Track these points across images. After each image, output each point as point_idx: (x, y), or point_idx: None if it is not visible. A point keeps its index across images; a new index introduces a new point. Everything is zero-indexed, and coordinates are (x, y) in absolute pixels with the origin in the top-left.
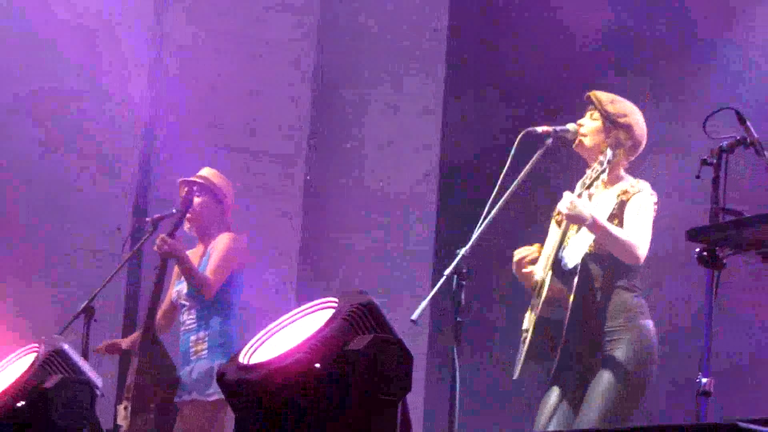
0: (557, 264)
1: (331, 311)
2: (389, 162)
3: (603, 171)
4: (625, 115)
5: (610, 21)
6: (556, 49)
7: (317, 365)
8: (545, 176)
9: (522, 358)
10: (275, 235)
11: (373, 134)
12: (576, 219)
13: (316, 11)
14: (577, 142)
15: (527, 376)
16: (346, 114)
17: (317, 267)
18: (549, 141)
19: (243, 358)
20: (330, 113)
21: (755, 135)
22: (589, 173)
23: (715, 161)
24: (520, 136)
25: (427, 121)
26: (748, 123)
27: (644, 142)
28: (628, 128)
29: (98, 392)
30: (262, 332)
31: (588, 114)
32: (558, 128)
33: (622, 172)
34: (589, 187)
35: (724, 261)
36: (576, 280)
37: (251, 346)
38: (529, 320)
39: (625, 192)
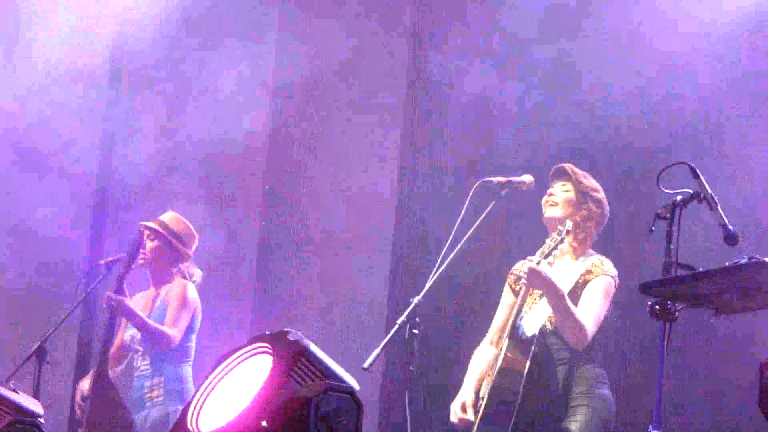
0: (514, 332)
1: (266, 356)
2: (344, 209)
3: (561, 241)
4: (597, 191)
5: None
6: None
7: (264, 424)
8: (499, 227)
9: (477, 425)
10: (230, 274)
11: (327, 181)
12: (537, 282)
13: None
14: (548, 209)
15: None
16: (301, 160)
17: (271, 311)
18: (504, 192)
19: (190, 423)
20: (284, 160)
21: (708, 190)
22: (548, 242)
23: (668, 215)
24: (475, 187)
25: (384, 168)
26: (702, 178)
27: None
28: (599, 203)
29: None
30: (202, 388)
31: (558, 185)
32: (514, 179)
33: (589, 250)
34: (547, 255)
35: (676, 314)
36: (533, 349)
37: (195, 407)
38: (484, 388)
39: (589, 272)
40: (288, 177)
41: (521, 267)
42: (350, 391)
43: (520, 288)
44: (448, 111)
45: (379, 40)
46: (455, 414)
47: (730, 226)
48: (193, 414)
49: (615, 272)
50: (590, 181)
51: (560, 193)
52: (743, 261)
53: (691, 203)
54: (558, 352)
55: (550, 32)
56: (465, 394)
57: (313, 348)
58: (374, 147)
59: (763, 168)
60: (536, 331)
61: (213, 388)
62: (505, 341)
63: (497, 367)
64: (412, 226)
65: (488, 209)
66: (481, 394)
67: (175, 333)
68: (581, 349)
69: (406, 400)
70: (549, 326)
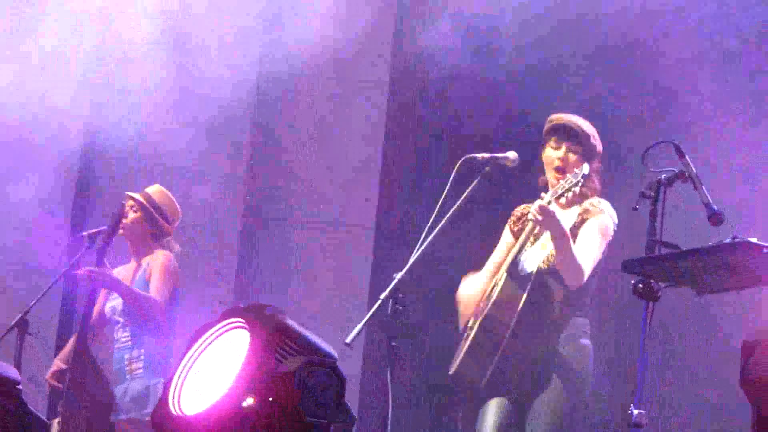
0: (513, 267)
1: (242, 332)
2: (329, 183)
3: (576, 184)
4: (599, 142)
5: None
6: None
7: (251, 401)
8: (484, 203)
9: (463, 354)
10: (213, 251)
11: (312, 155)
12: (546, 221)
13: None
14: (557, 177)
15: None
16: (286, 136)
17: (254, 285)
18: (488, 168)
19: (172, 403)
20: (269, 135)
21: (693, 169)
22: (563, 183)
23: (652, 194)
24: (459, 163)
25: (369, 144)
26: (687, 157)
27: None
28: (600, 155)
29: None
30: (180, 367)
31: (564, 147)
32: (498, 155)
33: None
34: (559, 197)
35: (659, 294)
36: (530, 286)
37: (175, 388)
38: (473, 320)
39: (586, 210)
40: (272, 153)
41: (523, 209)
42: (332, 365)
43: (522, 225)
44: (436, 89)
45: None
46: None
47: (714, 206)
48: (174, 395)
49: (614, 213)
50: (593, 133)
51: (569, 156)
52: (727, 240)
53: (676, 182)
54: (553, 292)
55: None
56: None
57: (290, 321)
58: (359, 123)
59: (744, 147)
60: (534, 269)
61: (191, 367)
62: (504, 275)
63: (493, 298)
64: (396, 202)
65: (472, 185)
66: (469, 325)
67: (161, 300)
68: (576, 289)
69: (388, 376)
70: (545, 266)
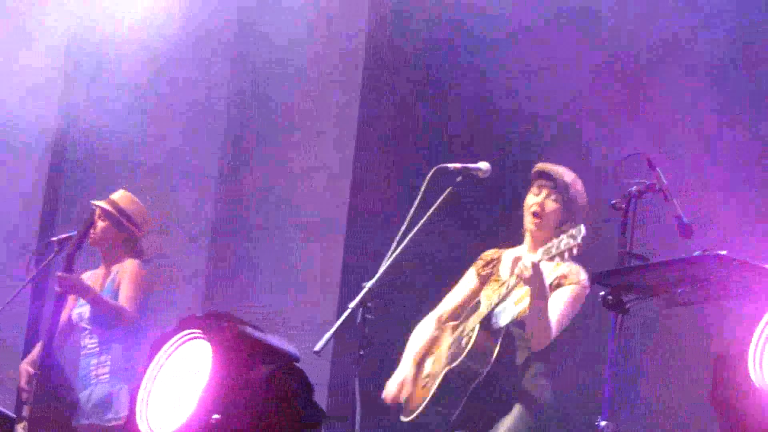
0: (487, 320)
1: (201, 342)
2: (301, 189)
3: (575, 246)
4: (583, 195)
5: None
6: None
7: (216, 417)
8: (455, 213)
9: (427, 401)
10: (185, 256)
11: (285, 161)
12: (535, 283)
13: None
14: (533, 223)
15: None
16: (256, 142)
17: (225, 291)
18: (460, 179)
19: (141, 421)
20: (239, 141)
21: (664, 181)
22: (557, 243)
23: (623, 206)
24: (431, 173)
25: (341, 150)
26: (658, 169)
27: None
28: (582, 209)
29: None
30: (144, 383)
31: (544, 192)
32: (470, 166)
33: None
34: (552, 258)
35: (628, 306)
36: (501, 339)
37: (143, 402)
38: (434, 366)
39: (564, 276)
40: (242, 158)
41: (492, 254)
42: (300, 373)
43: (492, 271)
44: (407, 94)
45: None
46: (390, 392)
47: (685, 218)
48: (142, 414)
49: (586, 280)
50: (577, 188)
51: (549, 203)
52: (697, 253)
53: (647, 194)
54: (522, 346)
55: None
56: (406, 369)
57: (249, 329)
58: (332, 128)
59: (716, 160)
60: (509, 322)
61: (155, 382)
62: (476, 327)
63: (467, 349)
64: (367, 211)
65: (443, 195)
66: (426, 372)
67: (132, 310)
68: (538, 350)
69: (356, 385)
70: (520, 319)
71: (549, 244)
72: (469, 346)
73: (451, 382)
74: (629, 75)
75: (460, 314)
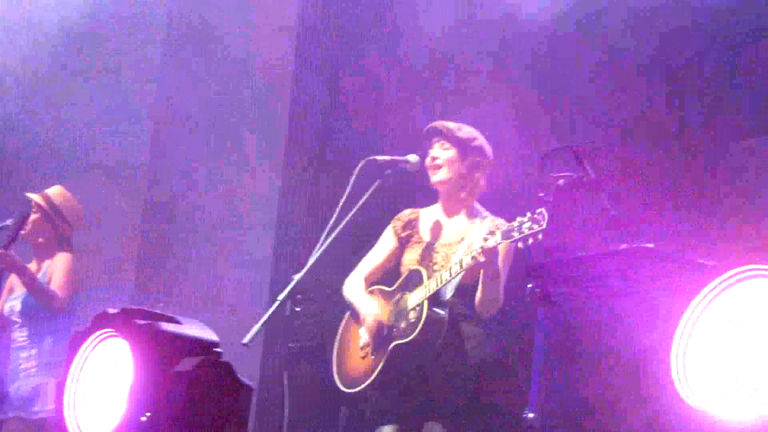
0: (438, 294)
1: (118, 341)
2: (230, 181)
3: (539, 232)
4: (475, 138)
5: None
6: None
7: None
8: (385, 205)
9: (374, 378)
10: (116, 252)
11: (213, 154)
12: (488, 266)
13: None
14: (433, 174)
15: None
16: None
17: (156, 285)
18: (389, 171)
19: (69, 422)
20: (167, 149)
21: (592, 174)
22: (518, 227)
23: (551, 199)
24: (360, 166)
25: (270, 142)
26: (585, 162)
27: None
28: (480, 150)
29: None
30: (68, 382)
31: (437, 145)
32: (399, 159)
33: (477, 205)
34: (514, 241)
35: (554, 299)
36: (448, 311)
37: (70, 407)
38: (372, 342)
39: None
40: (173, 153)
41: (410, 215)
42: (225, 366)
43: (412, 232)
44: (335, 91)
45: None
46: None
47: (613, 211)
48: (70, 416)
49: None
50: (465, 131)
51: (441, 152)
52: (623, 246)
53: (574, 187)
54: (461, 313)
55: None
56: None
57: (165, 325)
58: (260, 120)
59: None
60: (453, 293)
61: (77, 384)
62: (425, 303)
63: (420, 326)
64: (297, 204)
65: (372, 188)
66: (364, 341)
67: (63, 296)
68: (487, 317)
69: (285, 378)
70: (461, 288)
71: (509, 227)
72: (421, 322)
73: (400, 357)
74: (543, 70)
75: (380, 275)
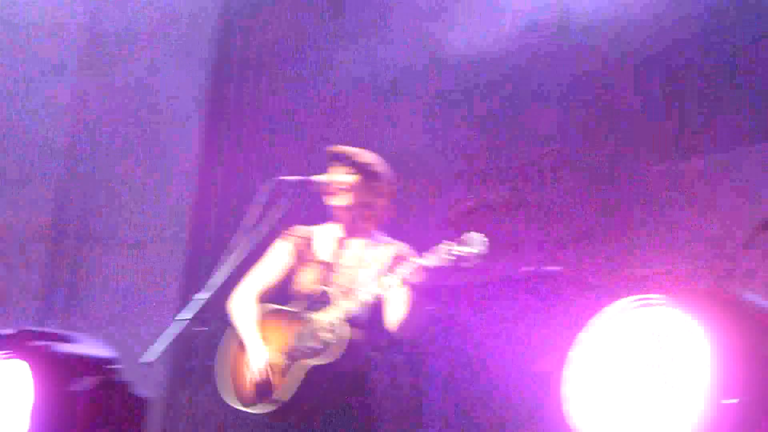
0: (350, 313)
1: (17, 362)
2: (140, 199)
3: (478, 257)
4: (377, 164)
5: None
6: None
7: None
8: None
9: (297, 389)
10: (20, 268)
11: (123, 172)
12: (418, 281)
13: None
14: (334, 198)
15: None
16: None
17: (62, 304)
18: (298, 191)
19: None
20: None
21: (495, 198)
22: (452, 249)
23: (455, 221)
24: (268, 185)
25: (182, 166)
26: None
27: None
28: (382, 176)
29: None
30: None
31: (339, 170)
32: (308, 179)
33: (375, 232)
34: (447, 262)
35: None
36: (354, 327)
37: None
38: (275, 356)
39: (401, 257)
40: (85, 173)
41: (304, 232)
42: (122, 387)
43: (316, 258)
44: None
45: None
46: (262, 375)
47: (509, 235)
48: None
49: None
50: (366, 157)
51: (343, 176)
52: (527, 269)
53: (478, 210)
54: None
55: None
56: (263, 350)
57: (62, 345)
58: (173, 139)
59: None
60: (359, 308)
61: None
62: (341, 323)
63: (335, 347)
64: (209, 223)
65: (280, 208)
66: (278, 360)
67: None
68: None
69: (185, 397)
70: (365, 303)
71: (446, 246)
72: (336, 343)
73: (316, 378)
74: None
75: (271, 292)
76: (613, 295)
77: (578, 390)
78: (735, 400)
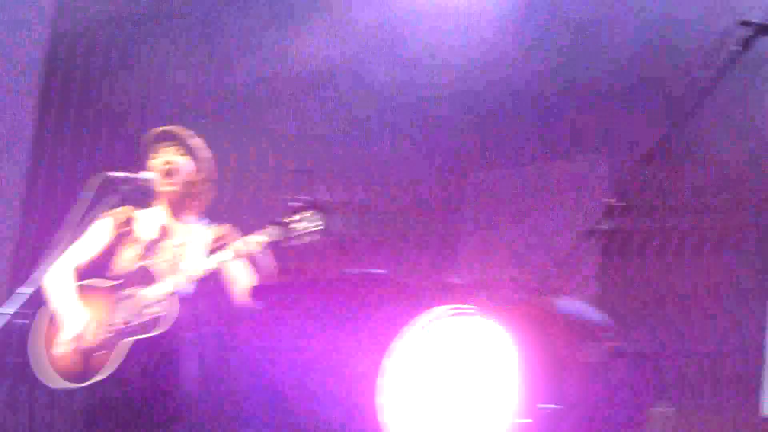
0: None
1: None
2: None
3: (315, 232)
4: (203, 147)
5: None
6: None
7: None
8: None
9: (109, 371)
10: None
11: None
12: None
13: None
14: (168, 178)
15: None
16: None
17: None
18: (126, 187)
19: None
20: None
21: (327, 197)
22: (296, 224)
23: (286, 221)
24: (94, 180)
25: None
26: (320, 186)
27: None
28: (208, 160)
29: None
30: None
31: (171, 150)
32: (136, 176)
33: (197, 213)
34: (288, 240)
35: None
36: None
37: None
38: (102, 331)
39: (223, 237)
40: None
41: (127, 213)
42: None
43: (137, 239)
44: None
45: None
46: (78, 344)
47: (344, 236)
48: None
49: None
50: (198, 140)
51: (176, 158)
52: (354, 271)
53: (308, 209)
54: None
55: None
56: (81, 324)
57: None
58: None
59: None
60: (189, 282)
61: None
62: (166, 297)
63: (159, 323)
64: (39, 212)
65: (105, 204)
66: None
67: None
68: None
69: (2, 392)
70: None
71: (289, 222)
72: (163, 318)
73: (139, 352)
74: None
75: (88, 266)
76: (429, 303)
77: (393, 398)
78: (549, 406)
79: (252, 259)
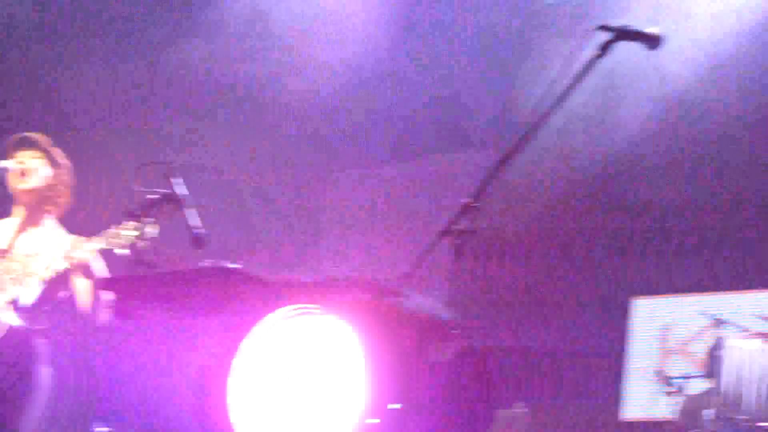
0: (18, 302)
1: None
2: None
3: (139, 239)
4: (60, 153)
5: None
6: None
7: None
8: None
9: None
10: None
11: None
12: (88, 269)
13: None
14: (22, 181)
15: None
16: None
17: None
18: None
19: None
20: None
21: (180, 191)
22: (121, 233)
23: (139, 213)
24: None
25: None
26: (177, 180)
27: None
28: (68, 168)
29: None
30: None
31: (28, 153)
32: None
33: (54, 220)
34: (118, 246)
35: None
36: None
37: None
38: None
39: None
40: None
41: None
42: None
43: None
44: None
45: None
46: None
47: (197, 229)
48: None
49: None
50: (53, 145)
51: (32, 161)
52: (206, 264)
53: (163, 203)
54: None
55: None
56: None
57: None
58: None
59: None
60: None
61: None
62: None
63: (3, 333)
64: None
65: None
66: None
67: None
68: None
69: None
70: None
71: (114, 231)
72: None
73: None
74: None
75: None
76: (278, 301)
77: (242, 398)
78: (397, 406)
79: (85, 266)
